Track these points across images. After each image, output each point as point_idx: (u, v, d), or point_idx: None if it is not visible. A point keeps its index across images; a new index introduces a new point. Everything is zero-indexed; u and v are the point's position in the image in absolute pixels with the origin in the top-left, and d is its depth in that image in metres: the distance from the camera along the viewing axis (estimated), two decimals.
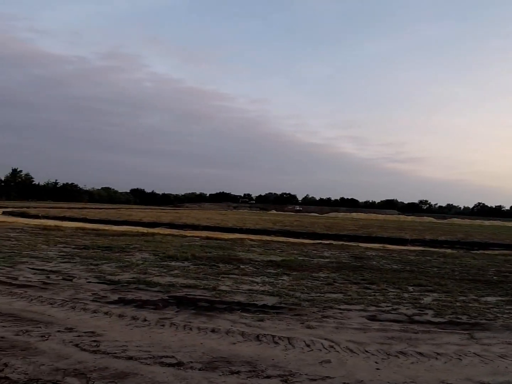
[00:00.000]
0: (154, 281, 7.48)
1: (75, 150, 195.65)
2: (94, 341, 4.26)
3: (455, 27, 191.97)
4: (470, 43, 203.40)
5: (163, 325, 4.99)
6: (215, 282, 7.65)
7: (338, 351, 4.36)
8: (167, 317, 5.32)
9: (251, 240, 17.09)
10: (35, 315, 5.11)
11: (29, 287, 6.60)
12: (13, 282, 6.91)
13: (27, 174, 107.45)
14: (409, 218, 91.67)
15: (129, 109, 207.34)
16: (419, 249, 17.46)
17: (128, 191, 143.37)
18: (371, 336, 4.94)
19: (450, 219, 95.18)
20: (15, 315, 5.03)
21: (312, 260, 11.50)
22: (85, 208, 53.27)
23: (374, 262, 11.73)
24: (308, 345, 4.49)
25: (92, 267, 8.70)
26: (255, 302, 6.29)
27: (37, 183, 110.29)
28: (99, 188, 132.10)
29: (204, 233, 19.59)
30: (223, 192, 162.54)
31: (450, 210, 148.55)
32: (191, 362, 3.84)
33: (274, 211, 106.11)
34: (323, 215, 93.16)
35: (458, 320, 5.78)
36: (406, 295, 7.28)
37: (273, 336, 4.72)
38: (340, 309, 6.09)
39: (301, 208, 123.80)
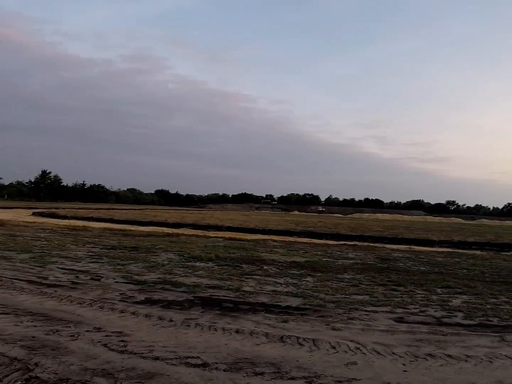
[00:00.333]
0: (180, 281, 7.55)
1: (102, 152, 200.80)
2: (122, 341, 4.32)
3: (483, 23, 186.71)
4: (499, 39, 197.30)
5: (188, 326, 5.03)
6: (238, 283, 7.67)
7: (364, 353, 4.29)
8: (192, 318, 5.36)
9: (274, 241, 17.03)
10: (65, 314, 5.22)
11: (59, 287, 6.76)
12: (44, 282, 7.10)
13: (56, 176, 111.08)
14: (436, 219, 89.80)
15: (153, 110, 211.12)
16: (447, 250, 17.04)
17: (153, 192, 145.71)
18: (399, 338, 4.85)
19: (479, 220, 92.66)
20: (46, 315, 5.15)
21: (337, 262, 11.37)
22: (112, 209, 54.46)
23: (401, 264, 11.51)
24: (333, 347, 4.44)
25: (119, 267, 8.86)
26: (278, 303, 6.26)
27: (65, 184, 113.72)
28: (125, 189, 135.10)
29: (227, 234, 19.65)
30: (245, 193, 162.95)
31: (478, 211, 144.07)
32: (216, 363, 3.86)
33: (296, 212, 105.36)
34: (347, 216, 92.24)
35: (489, 323, 5.60)
36: (434, 297, 7.11)
37: (298, 338, 4.69)
38: (366, 310, 6.00)
39: (324, 209, 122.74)
